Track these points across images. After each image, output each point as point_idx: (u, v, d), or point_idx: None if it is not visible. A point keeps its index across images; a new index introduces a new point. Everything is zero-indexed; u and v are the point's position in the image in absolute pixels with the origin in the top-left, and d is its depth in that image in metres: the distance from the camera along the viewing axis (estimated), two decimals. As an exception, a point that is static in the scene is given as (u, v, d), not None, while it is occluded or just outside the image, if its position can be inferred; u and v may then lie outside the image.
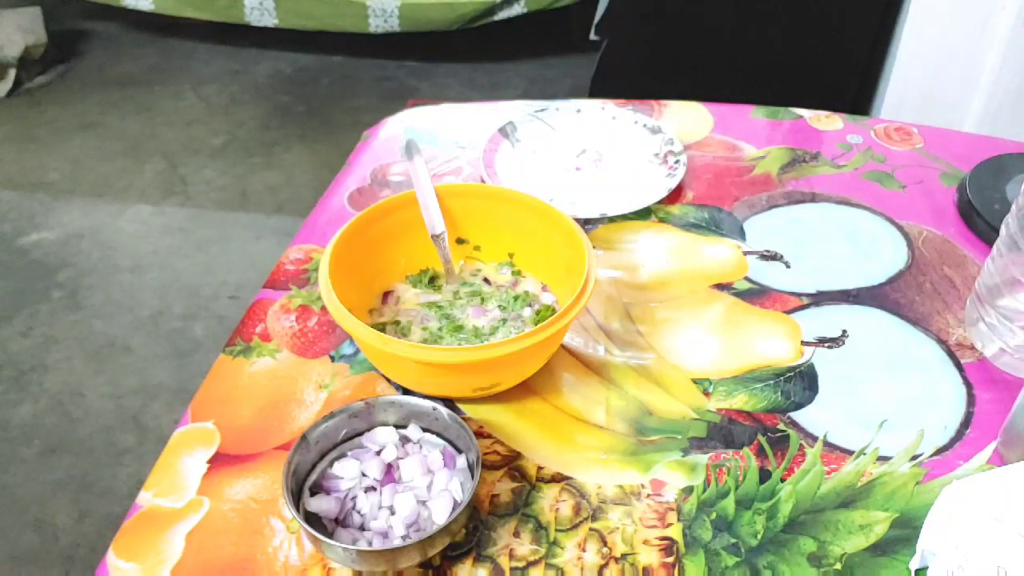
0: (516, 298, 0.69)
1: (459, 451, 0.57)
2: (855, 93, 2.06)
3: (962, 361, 0.67)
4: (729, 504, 0.57)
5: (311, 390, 0.65)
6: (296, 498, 0.53)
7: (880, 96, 1.92)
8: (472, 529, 0.55)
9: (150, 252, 2.06)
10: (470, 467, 0.55)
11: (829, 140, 0.94)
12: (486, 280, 0.72)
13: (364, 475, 0.55)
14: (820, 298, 0.73)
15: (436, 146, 0.92)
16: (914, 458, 0.60)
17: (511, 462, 0.60)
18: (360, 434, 0.58)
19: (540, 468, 0.59)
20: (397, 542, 0.52)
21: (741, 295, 0.73)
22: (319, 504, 0.54)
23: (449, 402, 0.62)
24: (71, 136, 2.48)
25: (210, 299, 1.92)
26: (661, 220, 0.82)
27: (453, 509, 0.52)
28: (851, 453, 0.60)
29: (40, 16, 2.72)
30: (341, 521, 0.54)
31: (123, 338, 1.77)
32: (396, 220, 0.69)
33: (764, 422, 0.62)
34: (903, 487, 0.58)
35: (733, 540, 0.54)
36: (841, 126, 0.96)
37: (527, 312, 0.68)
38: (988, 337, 0.66)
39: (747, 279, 0.75)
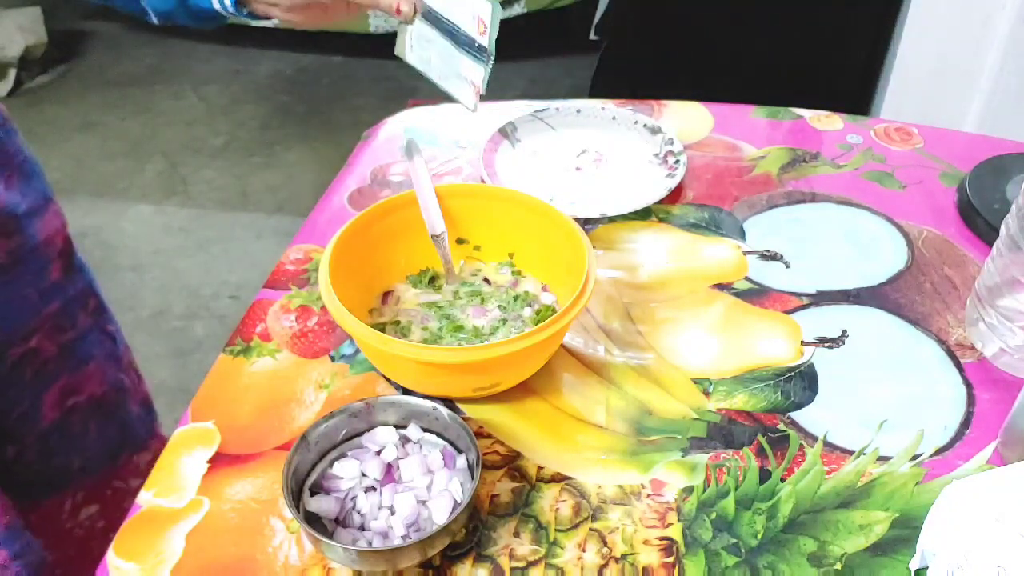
0: (516, 298, 0.69)
1: (459, 451, 0.57)
2: (855, 93, 2.06)
3: (962, 361, 0.67)
4: (729, 504, 0.57)
5: (311, 390, 0.65)
6: (296, 498, 0.53)
7: (880, 96, 1.92)
8: (472, 529, 0.55)
9: (151, 252, 2.06)
10: (470, 467, 0.55)
11: (829, 140, 0.94)
12: (486, 280, 0.72)
13: (364, 475, 0.55)
14: (820, 298, 0.73)
15: (436, 146, 0.92)
16: (914, 458, 0.60)
17: (511, 462, 0.60)
18: (360, 434, 0.58)
19: (540, 468, 0.59)
20: (397, 542, 0.52)
21: (741, 295, 0.73)
22: (319, 504, 0.54)
23: (449, 402, 0.62)
24: (71, 136, 2.48)
25: (210, 299, 1.92)
26: (661, 220, 0.82)
27: (453, 509, 0.52)
28: (851, 453, 0.60)
29: (40, 16, 2.73)
30: (341, 521, 0.54)
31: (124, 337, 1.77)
32: (396, 220, 0.69)
33: (764, 422, 0.62)
34: (903, 487, 0.58)
35: (733, 540, 0.54)
36: (841, 126, 0.96)
37: (527, 312, 0.68)
38: (988, 337, 0.66)
39: (747, 279, 0.75)
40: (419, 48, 0.58)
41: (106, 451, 0.83)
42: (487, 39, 0.57)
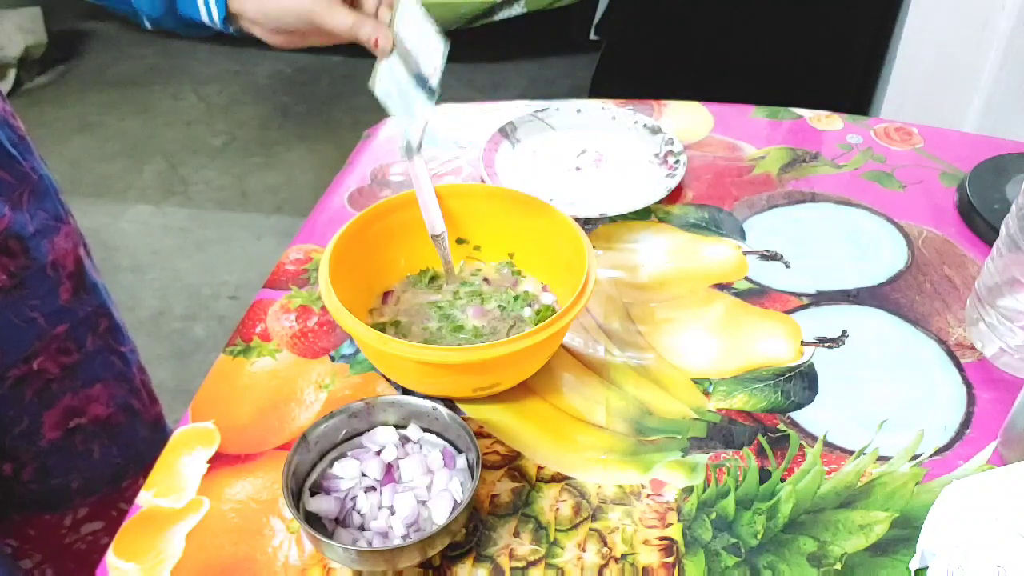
0: (516, 298, 0.69)
1: (459, 451, 0.57)
2: (855, 93, 2.06)
3: (962, 361, 0.67)
4: (729, 504, 0.57)
5: (311, 390, 0.65)
6: (296, 498, 0.53)
7: (880, 96, 1.92)
8: (472, 529, 0.55)
9: (150, 252, 2.06)
10: (470, 467, 0.55)
11: (829, 140, 0.94)
12: (486, 280, 0.72)
13: (364, 475, 0.55)
14: (820, 298, 0.73)
15: (436, 146, 0.92)
16: (914, 458, 0.60)
17: (511, 462, 0.60)
18: (360, 434, 0.58)
19: (540, 468, 0.59)
20: (397, 542, 0.52)
21: (741, 295, 0.73)
22: (319, 504, 0.54)
23: (449, 402, 0.62)
24: (71, 136, 2.48)
25: (210, 299, 1.93)
26: (661, 220, 0.82)
27: (453, 509, 0.52)
28: (851, 453, 0.60)
29: (40, 16, 2.73)
30: (341, 521, 0.54)
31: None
32: (396, 220, 0.69)
33: (764, 422, 0.62)
34: (903, 487, 0.58)
35: (733, 540, 0.54)
36: (841, 126, 0.96)
37: (527, 312, 0.68)
38: (988, 337, 0.66)
39: (747, 279, 0.75)
40: (385, 81, 0.59)
41: (108, 473, 0.83)
42: (437, 79, 0.58)
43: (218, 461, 0.60)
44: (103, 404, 0.80)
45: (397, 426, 0.58)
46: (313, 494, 0.55)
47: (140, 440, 0.85)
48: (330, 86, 2.74)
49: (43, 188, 0.72)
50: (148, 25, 0.63)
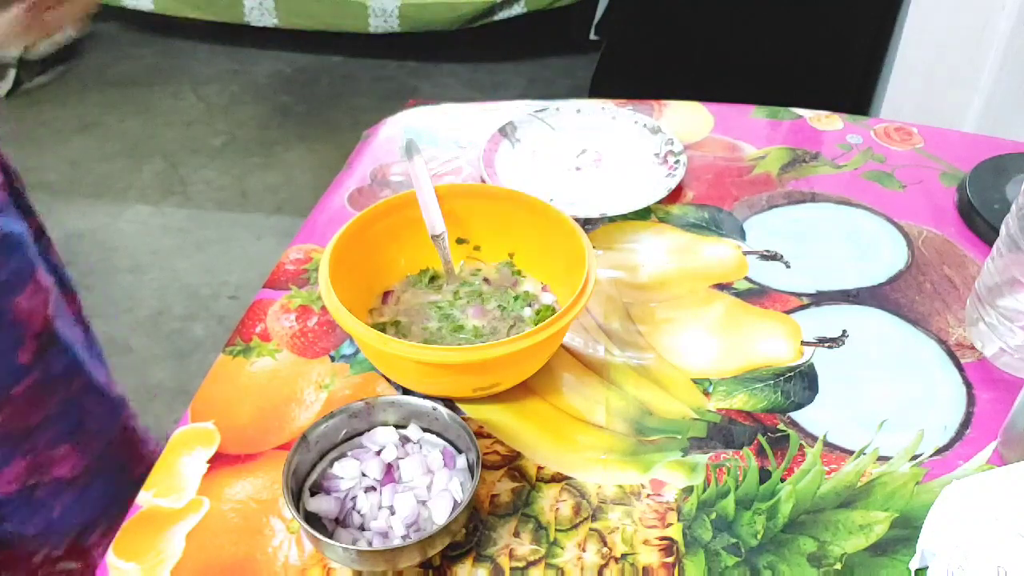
0: (516, 298, 0.69)
1: (459, 451, 0.57)
2: (855, 93, 2.06)
3: (962, 361, 0.67)
4: (729, 504, 0.57)
5: (311, 390, 0.65)
6: (296, 498, 0.53)
7: (880, 96, 1.92)
8: (472, 529, 0.55)
9: (150, 252, 2.06)
10: (470, 467, 0.55)
11: (829, 140, 0.94)
12: (486, 280, 0.72)
13: (364, 475, 0.55)
14: (820, 298, 0.73)
15: (436, 146, 0.92)
16: (914, 458, 0.60)
17: (511, 462, 0.60)
18: (360, 434, 0.58)
19: (540, 468, 0.59)
20: (397, 542, 0.52)
21: (741, 295, 0.73)
22: (319, 504, 0.54)
23: (449, 402, 0.62)
24: (70, 136, 2.48)
25: (210, 299, 1.92)
26: (661, 220, 0.82)
27: (453, 509, 0.52)
28: (851, 453, 0.60)
29: (40, 16, 2.72)
30: (341, 521, 0.54)
31: (123, 338, 1.76)
32: (396, 220, 0.69)
33: (764, 422, 0.62)
34: (903, 487, 0.58)
35: (733, 540, 0.54)
36: (841, 126, 0.96)
37: (527, 312, 0.68)
38: (988, 337, 0.66)
39: (747, 279, 0.75)
40: None
41: (72, 527, 0.79)
42: None
43: (218, 461, 0.60)
44: (68, 466, 0.76)
45: (397, 426, 0.58)
46: (313, 494, 0.55)
47: (111, 498, 0.80)
48: (330, 86, 2.74)
49: (11, 244, 0.68)
50: None
